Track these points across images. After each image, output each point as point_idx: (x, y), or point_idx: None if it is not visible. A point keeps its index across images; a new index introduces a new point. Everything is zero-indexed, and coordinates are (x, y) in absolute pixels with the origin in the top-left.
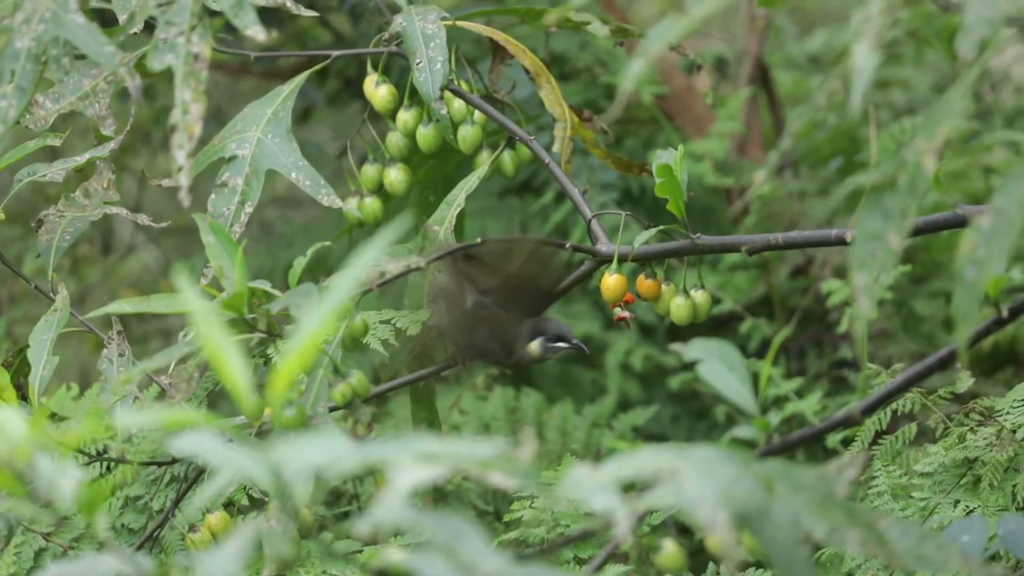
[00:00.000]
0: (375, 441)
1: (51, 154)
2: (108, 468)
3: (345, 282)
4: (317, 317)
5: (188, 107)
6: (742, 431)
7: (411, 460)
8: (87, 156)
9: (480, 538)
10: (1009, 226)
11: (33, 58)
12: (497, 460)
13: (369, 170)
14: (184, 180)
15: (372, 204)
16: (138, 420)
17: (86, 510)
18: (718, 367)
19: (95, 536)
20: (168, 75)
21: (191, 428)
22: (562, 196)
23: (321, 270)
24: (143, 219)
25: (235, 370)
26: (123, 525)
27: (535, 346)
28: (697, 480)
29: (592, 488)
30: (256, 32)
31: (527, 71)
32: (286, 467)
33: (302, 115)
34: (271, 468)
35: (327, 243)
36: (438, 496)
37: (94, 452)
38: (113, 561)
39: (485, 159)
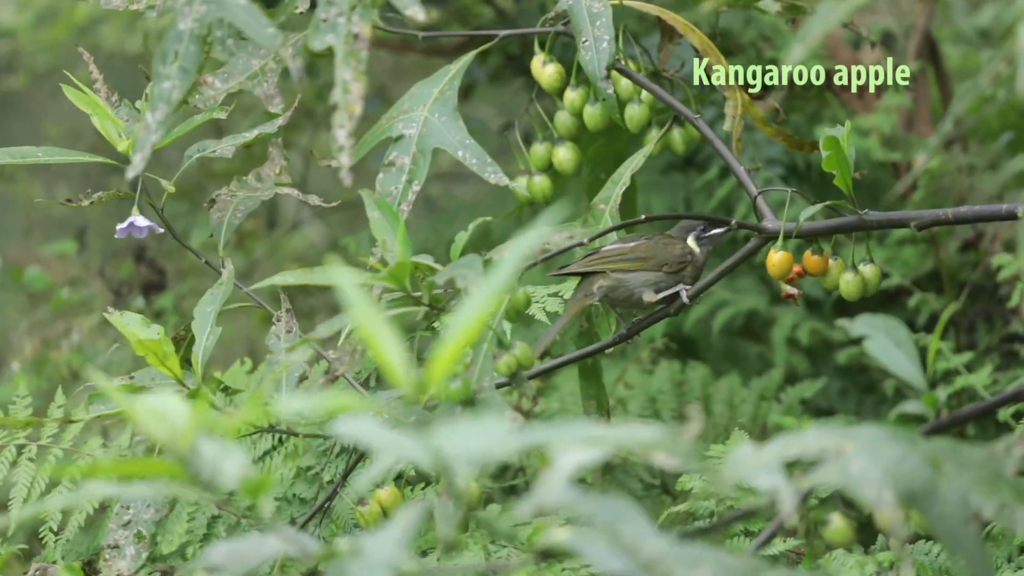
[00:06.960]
0: (539, 421)
1: (216, 130)
2: (280, 440)
3: (513, 254)
4: (485, 291)
5: (349, 87)
6: (911, 406)
7: (573, 442)
8: (255, 132)
9: (643, 520)
10: None
11: (196, 39)
12: (660, 443)
13: (538, 149)
14: (345, 160)
15: (541, 183)
16: (300, 406)
17: (251, 494)
18: (885, 343)
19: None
20: (330, 52)
21: (352, 412)
22: (727, 171)
23: (483, 246)
24: (314, 199)
25: (388, 348)
26: (295, 495)
27: (691, 243)
28: (863, 459)
29: (757, 468)
30: (416, 12)
31: (696, 50)
32: (447, 452)
33: (464, 92)
34: (433, 453)
35: (488, 218)
36: (605, 469)
37: (264, 425)
38: (277, 541)
39: (653, 137)
